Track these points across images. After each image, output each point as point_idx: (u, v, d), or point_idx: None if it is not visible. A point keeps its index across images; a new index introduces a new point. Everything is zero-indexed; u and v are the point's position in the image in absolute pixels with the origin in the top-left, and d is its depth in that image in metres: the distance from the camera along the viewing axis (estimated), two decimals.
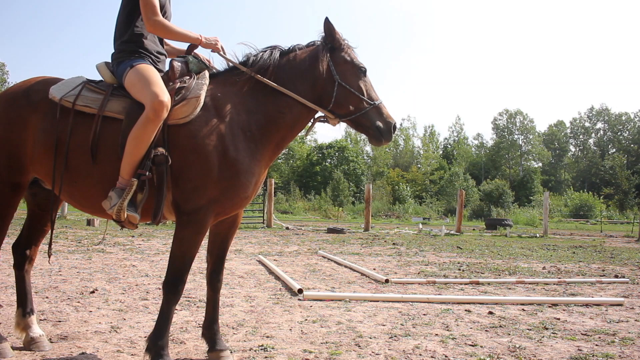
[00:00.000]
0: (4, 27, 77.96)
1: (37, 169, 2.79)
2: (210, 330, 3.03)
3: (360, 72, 2.98)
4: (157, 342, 2.69)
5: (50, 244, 2.99)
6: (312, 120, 3.02)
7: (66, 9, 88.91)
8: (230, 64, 2.98)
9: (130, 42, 2.87)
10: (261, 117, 2.85)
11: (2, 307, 4.02)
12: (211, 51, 2.96)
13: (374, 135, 2.95)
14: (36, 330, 3.04)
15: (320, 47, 2.96)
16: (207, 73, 2.93)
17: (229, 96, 2.85)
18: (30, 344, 2.98)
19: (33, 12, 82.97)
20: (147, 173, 2.58)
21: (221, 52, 2.96)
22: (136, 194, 2.59)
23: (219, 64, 3.09)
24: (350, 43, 3.05)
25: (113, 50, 2.95)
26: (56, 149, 2.68)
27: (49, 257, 2.99)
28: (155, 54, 2.97)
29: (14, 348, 2.95)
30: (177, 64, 2.86)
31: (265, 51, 2.97)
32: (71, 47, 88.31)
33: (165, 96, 2.63)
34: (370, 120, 2.93)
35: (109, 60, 2.96)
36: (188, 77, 2.84)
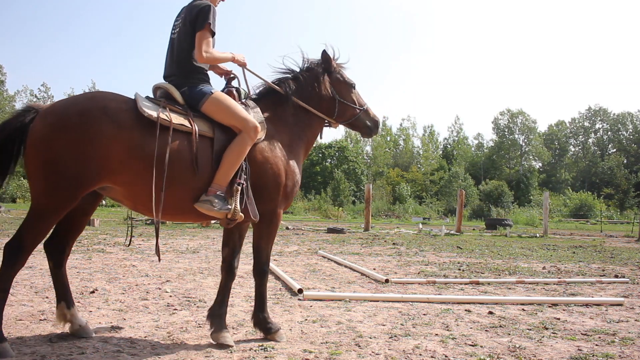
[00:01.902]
0: (2, 28, 77.97)
1: (117, 179, 3.00)
2: (215, 315, 3.38)
3: (351, 87, 3.89)
4: (261, 314, 3.43)
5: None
6: None
7: (65, 10, 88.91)
8: (266, 86, 3.71)
9: (200, 72, 3.42)
10: (298, 131, 3.67)
11: None
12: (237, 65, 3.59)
13: (366, 132, 4.01)
14: (81, 319, 3.35)
15: (319, 72, 3.77)
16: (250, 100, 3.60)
17: (275, 117, 3.59)
18: (79, 332, 3.29)
19: (31, 13, 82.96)
20: (243, 182, 3.21)
21: (247, 67, 3.60)
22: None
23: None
24: (341, 62, 3.91)
25: (175, 72, 3.39)
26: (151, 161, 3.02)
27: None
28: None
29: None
30: (235, 91, 3.53)
31: (286, 81, 3.70)
32: (70, 49, 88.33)
33: (255, 121, 3.31)
34: (362, 122, 3.94)
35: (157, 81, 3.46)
36: (241, 103, 3.46)
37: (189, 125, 3.15)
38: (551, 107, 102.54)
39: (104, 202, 38.98)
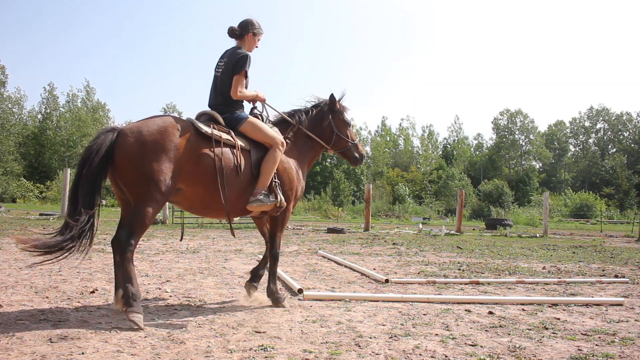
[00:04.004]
0: (3, 28, 77.86)
1: (187, 181, 3.85)
2: (256, 274, 4.74)
3: (348, 125, 5.03)
4: (273, 287, 4.46)
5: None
6: None
7: (66, 10, 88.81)
8: (278, 116, 4.80)
9: (238, 103, 4.42)
10: (303, 152, 4.79)
11: (2, 307, 4.02)
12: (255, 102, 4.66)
13: (353, 162, 5.19)
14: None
15: (326, 111, 4.95)
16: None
17: (289, 139, 4.63)
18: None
19: (30, 14, 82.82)
20: (277, 181, 4.30)
21: (266, 103, 4.66)
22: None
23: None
24: (345, 104, 5.06)
25: (220, 102, 4.35)
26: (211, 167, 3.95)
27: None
28: None
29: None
30: (260, 116, 4.58)
31: (298, 113, 4.86)
32: (70, 49, 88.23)
33: (281, 137, 4.39)
34: (351, 153, 5.12)
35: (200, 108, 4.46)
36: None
37: (233, 140, 4.10)
38: (551, 107, 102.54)
39: (104, 202, 38.97)
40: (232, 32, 4.50)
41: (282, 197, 4.27)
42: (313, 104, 5.01)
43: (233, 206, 4.11)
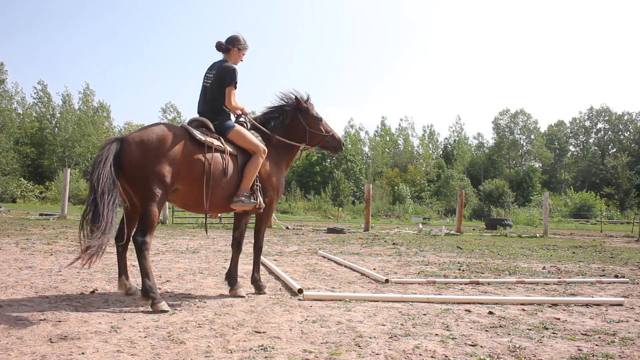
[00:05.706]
0: (3, 27, 77.86)
1: (183, 182, 4.34)
2: (231, 276, 4.95)
3: (319, 120, 5.39)
4: (257, 275, 5.07)
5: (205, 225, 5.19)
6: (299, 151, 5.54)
7: (66, 9, 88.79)
8: (261, 121, 5.21)
9: (225, 111, 4.87)
10: (282, 155, 5.22)
11: (2, 307, 4.02)
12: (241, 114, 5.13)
13: (333, 151, 5.62)
14: (134, 285, 4.68)
15: (294, 113, 5.29)
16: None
17: (268, 144, 5.02)
18: (135, 293, 4.58)
19: (33, 12, 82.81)
20: (258, 185, 4.81)
21: (249, 116, 5.13)
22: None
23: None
24: (311, 101, 5.38)
25: (209, 110, 4.81)
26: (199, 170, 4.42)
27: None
28: None
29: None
30: (244, 123, 5.04)
31: (272, 119, 5.25)
32: (70, 48, 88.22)
33: (264, 146, 4.86)
34: (330, 143, 5.50)
35: (194, 115, 4.93)
36: (248, 130, 4.96)
37: (223, 146, 4.57)
38: (551, 107, 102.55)
39: None
40: (219, 46, 4.95)
41: (262, 200, 4.78)
42: (280, 104, 5.32)
43: (221, 204, 4.64)
